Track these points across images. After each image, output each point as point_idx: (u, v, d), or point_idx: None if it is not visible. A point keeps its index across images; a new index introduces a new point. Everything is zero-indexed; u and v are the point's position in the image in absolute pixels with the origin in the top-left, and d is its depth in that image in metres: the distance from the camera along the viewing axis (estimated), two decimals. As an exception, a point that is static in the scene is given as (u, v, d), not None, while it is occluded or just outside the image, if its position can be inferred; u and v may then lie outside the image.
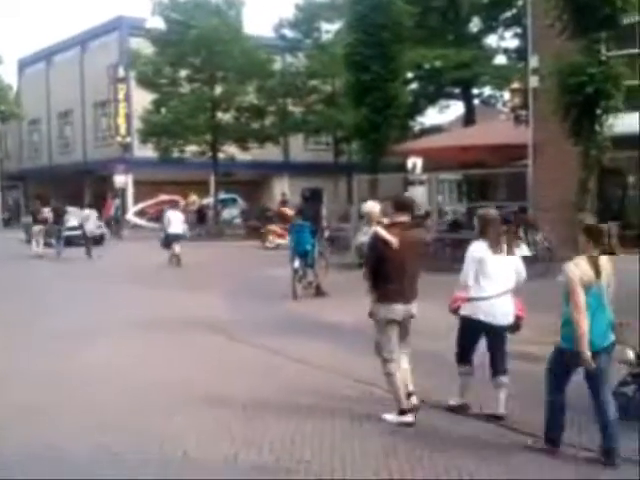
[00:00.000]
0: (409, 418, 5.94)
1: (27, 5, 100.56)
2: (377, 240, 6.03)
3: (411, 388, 6.10)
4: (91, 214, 22.90)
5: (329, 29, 35.74)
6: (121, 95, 38.58)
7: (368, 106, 19.45)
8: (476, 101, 34.50)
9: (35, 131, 49.85)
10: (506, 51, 33.93)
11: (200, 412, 6.50)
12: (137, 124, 33.72)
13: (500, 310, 5.96)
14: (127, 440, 5.79)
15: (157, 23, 29.62)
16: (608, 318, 5.19)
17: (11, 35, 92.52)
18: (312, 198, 28.80)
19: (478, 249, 6.03)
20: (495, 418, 5.98)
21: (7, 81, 45.67)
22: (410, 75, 29.83)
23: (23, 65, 50.51)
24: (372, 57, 19.07)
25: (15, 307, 12.66)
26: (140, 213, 36.16)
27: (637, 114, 11.94)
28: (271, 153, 37.89)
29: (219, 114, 32.45)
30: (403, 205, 6.28)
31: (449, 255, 16.34)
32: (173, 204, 24.28)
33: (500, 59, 34.08)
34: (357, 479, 5.00)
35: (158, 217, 31.43)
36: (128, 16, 38.84)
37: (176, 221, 20.11)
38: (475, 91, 33.92)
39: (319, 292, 13.32)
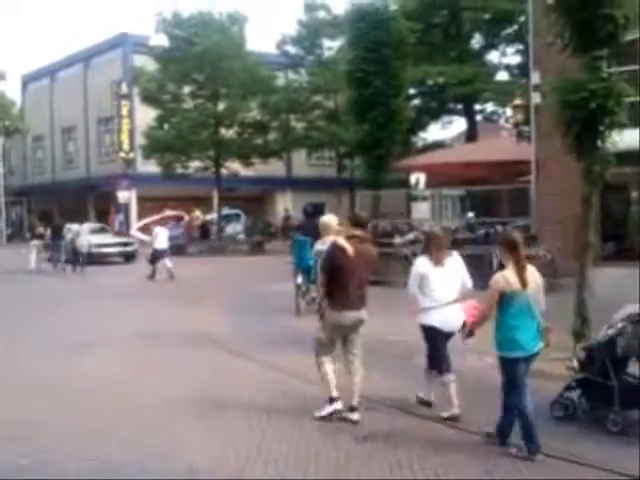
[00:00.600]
0: (338, 405, 6.45)
1: (31, 22, 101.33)
2: (335, 248, 6.52)
3: (355, 403, 6.46)
4: (161, 232, 21.95)
5: (331, 46, 35.94)
6: (124, 111, 38.79)
7: (370, 122, 19.47)
8: (478, 117, 34.61)
9: (39, 147, 50.07)
10: (508, 67, 34.10)
11: (202, 425, 6.50)
12: (140, 140, 33.87)
13: (450, 317, 6.46)
14: (128, 453, 5.78)
15: (161, 40, 29.81)
16: (537, 326, 5.60)
17: (15, 51, 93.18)
18: (314, 213, 28.87)
19: (421, 264, 6.58)
20: (452, 420, 6.38)
21: (11, 97, 45.99)
22: (413, 91, 29.96)
23: (27, 81, 50.83)
24: (374, 73, 19.11)
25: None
26: (144, 229, 36.25)
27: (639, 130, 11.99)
28: (274, 169, 38.01)
29: (222, 130, 32.60)
30: (359, 221, 6.85)
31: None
32: (164, 222, 24.72)
33: (502, 75, 34.28)
34: None
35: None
36: (132, 33, 39.12)
37: (162, 237, 21.00)
38: (477, 107, 34.06)
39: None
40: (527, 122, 18.15)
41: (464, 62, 30.16)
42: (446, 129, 38.81)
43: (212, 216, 35.87)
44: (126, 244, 27.64)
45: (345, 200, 36.33)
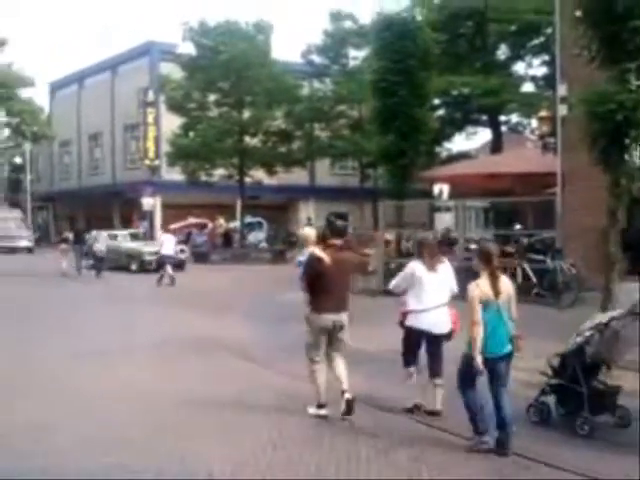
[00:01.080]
0: (324, 412, 6.92)
1: (60, 30, 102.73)
2: (313, 258, 7.09)
3: (345, 387, 6.86)
4: (167, 238, 22.61)
5: (356, 55, 36.00)
6: (150, 119, 39.11)
7: (394, 132, 19.44)
8: (503, 128, 34.41)
9: (66, 153, 50.63)
10: (534, 79, 33.89)
11: (221, 430, 6.50)
12: (166, 147, 34.12)
13: (438, 320, 6.84)
14: (146, 456, 5.80)
15: (187, 48, 30.07)
16: (507, 331, 6.01)
17: (44, 58, 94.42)
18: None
19: (416, 268, 6.97)
20: (433, 414, 6.83)
21: (39, 103, 46.56)
22: (437, 101, 29.88)
23: (55, 88, 51.43)
24: (399, 83, 19.09)
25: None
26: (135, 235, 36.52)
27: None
28: (297, 177, 38.08)
29: (246, 138, 32.75)
30: (337, 230, 7.41)
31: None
32: (187, 229, 25.03)
33: (528, 86, 34.06)
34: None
35: (187, 240, 31.78)
36: (159, 41, 39.47)
37: (168, 244, 21.83)
38: (502, 118, 33.85)
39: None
40: (553, 134, 18.02)
41: (489, 73, 30.02)
42: (470, 140, 38.74)
43: (235, 224, 36.01)
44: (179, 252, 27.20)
45: (368, 210, 36.28)
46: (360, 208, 38.24)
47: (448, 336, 6.95)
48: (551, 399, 6.72)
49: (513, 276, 15.38)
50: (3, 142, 58.26)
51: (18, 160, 51.18)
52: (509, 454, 5.81)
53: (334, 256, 6.99)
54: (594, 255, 12.05)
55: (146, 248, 26.13)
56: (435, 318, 6.85)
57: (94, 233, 25.56)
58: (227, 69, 30.54)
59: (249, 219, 35.97)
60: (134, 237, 29.42)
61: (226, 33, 31.49)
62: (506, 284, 6.14)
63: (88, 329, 12.72)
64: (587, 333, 6.52)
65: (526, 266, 15.46)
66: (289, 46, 71.75)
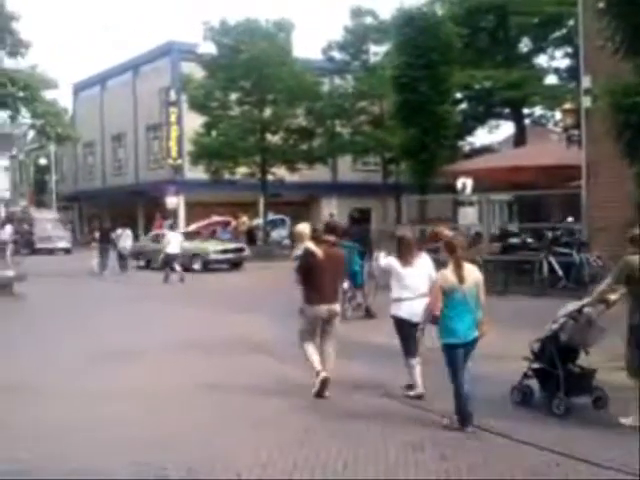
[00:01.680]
0: (324, 374, 7.47)
1: (82, 30, 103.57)
2: (307, 253, 7.67)
3: (331, 366, 7.62)
4: (173, 237, 22.74)
5: (377, 51, 35.93)
6: (173, 118, 39.33)
7: (417, 127, 19.44)
8: (527, 121, 34.13)
9: (89, 154, 51.09)
10: (557, 71, 33.57)
11: (254, 432, 6.55)
12: (188, 146, 34.29)
13: (417, 309, 7.17)
14: (175, 458, 5.84)
15: (208, 48, 30.18)
16: (473, 318, 6.40)
17: (67, 60, 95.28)
18: (361, 219, 28.75)
19: (392, 263, 7.55)
20: (418, 398, 7.33)
21: (63, 104, 47.00)
22: (459, 95, 29.72)
23: (78, 89, 51.91)
24: (420, 79, 19.07)
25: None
26: (193, 234, 36.67)
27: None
28: (319, 174, 38.10)
29: (268, 136, 32.81)
30: (331, 228, 8.27)
31: (502, 278, 16.14)
32: (211, 227, 25.22)
33: (551, 79, 33.74)
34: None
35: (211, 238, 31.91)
36: (180, 41, 39.66)
37: (175, 242, 21.98)
38: (526, 111, 33.57)
39: (368, 314, 13.28)
40: (577, 126, 17.86)
41: (512, 66, 29.80)
42: (493, 133, 38.36)
43: (258, 221, 36.12)
44: (237, 250, 27.21)
45: (390, 205, 36.25)
46: (383, 204, 38.20)
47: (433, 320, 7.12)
48: (533, 382, 7.16)
49: (539, 270, 15.34)
50: (28, 144, 58.99)
51: (43, 161, 51.76)
52: (469, 428, 6.33)
53: (327, 251, 7.62)
54: (621, 248, 11.94)
55: (212, 247, 26.16)
56: (414, 308, 7.26)
57: (119, 231, 25.79)
58: (248, 68, 30.60)
59: (272, 216, 36.07)
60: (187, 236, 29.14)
61: (247, 32, 31.56)
62: (472, 272, 6.54)
63: (110, 329, 12.86)
64: (561, 320, 6.95)
65: (552, 259, 15.38)
66: (310, 43, 71.76)
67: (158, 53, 42.05)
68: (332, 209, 41.38)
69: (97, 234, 25.50)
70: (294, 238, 9.99)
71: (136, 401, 7.73)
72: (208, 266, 24.96)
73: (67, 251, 39.12)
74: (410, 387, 7.55)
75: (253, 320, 13.18)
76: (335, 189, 42.82)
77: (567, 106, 19.14)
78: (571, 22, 27.64)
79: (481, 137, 63.14)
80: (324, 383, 7.45)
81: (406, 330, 7.39)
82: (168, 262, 21.51)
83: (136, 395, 7.97)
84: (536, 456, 5.77)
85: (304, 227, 8.98)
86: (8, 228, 33.98)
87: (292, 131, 33.29)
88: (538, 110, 34.52)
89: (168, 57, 40.94)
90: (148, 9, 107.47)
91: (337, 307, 7.75)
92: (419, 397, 7.39)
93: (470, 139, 36.08)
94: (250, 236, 35.03)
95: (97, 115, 48.33)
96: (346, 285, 13.09)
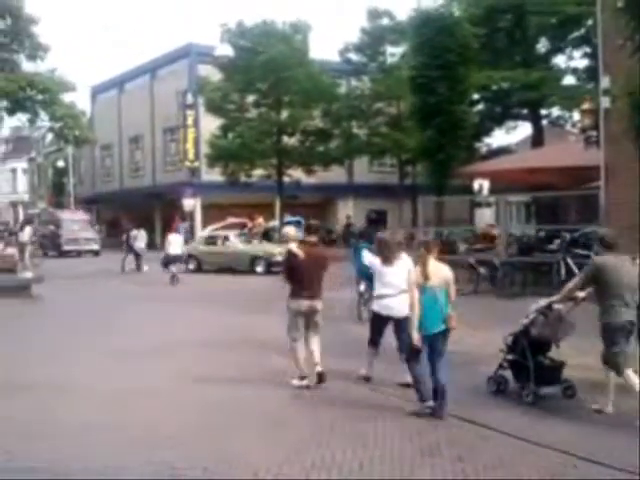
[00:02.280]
0: (306, 382, 8.17)
1: (100, 34, 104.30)
2: (289, 253, 8.47)
3: (317, 361, 8.28)
4: (174, 238, 22.97)
5: (394, 52, 35.85)
6: (190, 121, 39.48)
7: (434, 128, 19.37)
8: (544, 122, 33.91)
9: (107, 156, 51.41)
10: (575, 71, 33.31)
11: (270, 432, 6.57)
12: (205, 149, 34.40)
13: (396, 306, 7.84)
14: (190, 457, 5.87)
15: (225, 50, 30.25)
16: (441, 311, 7.00)
17: (85, 63, 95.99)
18: (378, 221, 28.68)
19: (374, 262, 8.28)
20: (406, 385, 7.76)
21: (81, 107, 47.34)
22: (476, 96, 29.60)
23: (96, 92, 52.25)
24: (438, 79, 19.00)
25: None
26: (210, 236, 36.69)
27: None
28: (336, 176, 38.08)
29: (285, 138, 32.83)
30: (312, 229, 9.05)
31: (520, 280, 16.05)
32: (174, 229, 26.36)
33: (569, 79, 33.48)
34: None
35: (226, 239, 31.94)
36: (197, 43, 39.81)
37: (176, 243, 22.31)
38: (543, 112, 33.35)
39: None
40: (595, 127, 17.71)
41: (530, 66, 29.61)
42: (510, 134, 38.14)
43: (274, 223, 36.11)
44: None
45: (407, 207, 36.13)
46: (399, 205, 38.10)
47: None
48: (507, 373, 7.78)
49: (557, 271, 15.22)
50: (47, 146, 59.49)
51: (61, 164, 52.16)
52: (444, 417, 6.86)
53: (309, 252, 8.34)
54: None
55: (277, 249, 24.00)
56: (393, 304, 7.90)
57: (134, 232, 26.15)
58: (265, 70, 30.65)
59: (288, 218, 36.02)
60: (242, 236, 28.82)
61: (263, 34, 31.61)
62: (440, 270, 7.18)
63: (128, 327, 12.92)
64: (532, 315, 7.56)
65: (570, 261, 15.25)
66: (326, 45, 71.81)
67: (175, 56, 42.23)
68: (348, 211, 41.44)
69: (125, 236, 26.15)
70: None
71: (150, 400, 7.77)
72: (271, 268, 23.81)
73: (96, 253, 37.96)
74: (367, 379, 8.45)
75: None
76: (351, 191, 42.78)
77: (585, 107, 18.98)
78: (589, 22, 27.43)
79: (498, 138, 62.97)
80: (320, 376, 8.17)
81: (380, 324, 8.24)
82: (168, 263, 21.82)
83: (150, 394, 8.00)
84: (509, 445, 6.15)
85: (289, 229, 9.60)
86: (28, 229, 34.17)
87: (309, 133, 33.28)
88: (556, 111, 34.27)
89: (185, 60, 41.11)
90: (165, 12, 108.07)
91: (319, 304, 8.36)
92: (367, 379, 8.44)
93: (487, 140, 35.93)
94: (266, 238, 35.05)
95: (115, 118, 48.63)
96: (362, 287, 13.07)
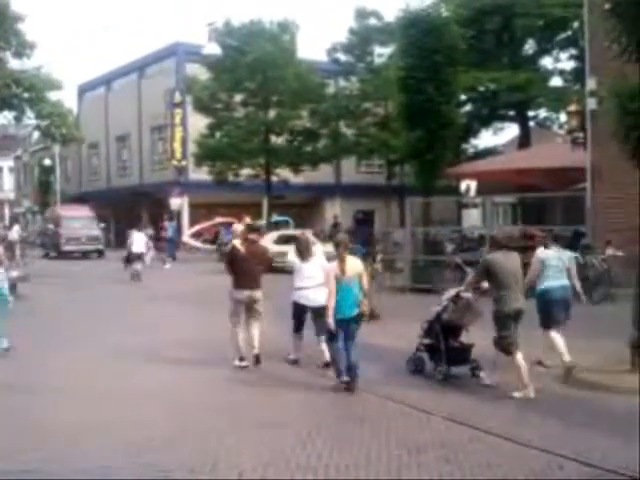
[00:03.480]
0: (245, 363, 9.23)
1: (87, 32, 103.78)
2: (232, 248, 9.70)
3: (255, 344, 9.35)
4: (137, 237, 23.50)
5: (382, 52, 35.88)
6: (177, 119, 39.37)
7: (421, 129, 19.36)
8: (531, 123, 34.09)
9: (94, 155, 51.17)
10: (562, 73, 33.52)
11: (256, 435, 6.54)
12: (192, 148, 34.33)
13: (312, 296, 8.99)
14: (177, 459, 5.84)
15: (213, 49, 30.18)
16: (354, 299, 8.06)
17: (72, 61, 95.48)
18: (365, 221, 28.58)
19: (294, 259, 9.38)
20: (327, 365, 8.74)
21: (68, 105, 47.02)
22: (464, 97, 29.69)
23: (83, 90, 51.99)
24: (425, 80, 18.98)
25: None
26: (196, 235, 36.56)
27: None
28: (323, 176, 38.10)
29: (272, 138, 32.81)
30: (253, 228, 10.18)
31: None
32: (139, 227, 26.71)
33: (556, 81, 33.69)
34: None
35: (214, 239, 31.90)
36: (185, 42, 39.68)
37: (139, 241, 22.97)
38: (530, 113, 33.53)
39: (372, 315, 13.18)
40: (582, 128, 17.82)
41: (517, 68, 29.78)
42: (498, 135, 38.31)
43: (261, 222, 36.01)
44: None
45: (394, 207, 36.18)
46: (387, 205, 38.15)
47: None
48: (424, 354, 8.81)
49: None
50: (33, 145, 59.10)
51: (48, 162, 51.81)
52: (355, 391, 7.90)
53: (249, 248, 9.47)
54: (626, 250, 11.90)
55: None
56: (310, 295, 9.04)
57: (129, 232, 26.20)
58: (253, 69, 30.61)
59: (276, 217, 35.97)
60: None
61: (251, 33, 31.59)
62: (354, 264, 8.23)
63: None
64: (444, 303, 8.59)
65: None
66: (314, 45, 71.72)
67: (163, 54, 42.10)
68: (336, 211, 41.38)
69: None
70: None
71: (136, 402, 7.74)
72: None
73: (100, 253, 34.88)
74: (294, 362, 9.40)
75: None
76: (339, 191, 42.82)
77: (572, 108, 19.11)
78: (576, 24, 27.62)
79: (486, 139, 63.12)
80: (257, 358, 9.24)
81: (300, 313, 9.30)
82: (130, 261, 22.49)
83: (136, 396, 7.98)
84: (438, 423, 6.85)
85: (237, 227, 10.87)
86: (16, 228, 33.98)
87: (296, 133, 33.29)
88: (543, 112, 34.53)
89: (173, 58, 40.97)
90: (153, 10, 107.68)
91: (258, 293, 9.39)
92: (295, 361, 9.40)
93: (475, 141, 36.08)
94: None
95: (102, 116, 48.39)
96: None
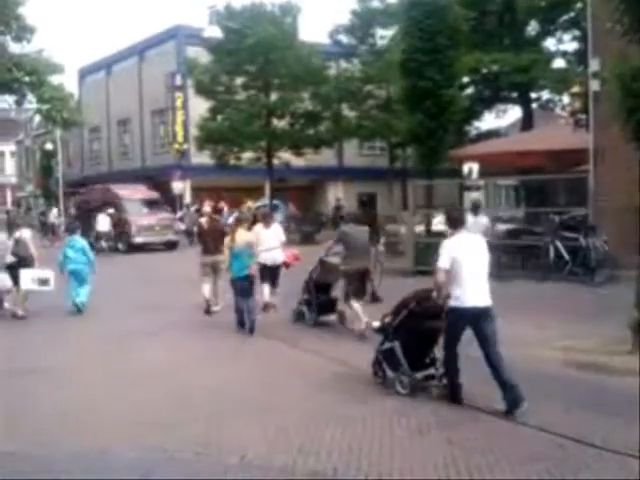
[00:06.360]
0: (216, 308, 12.38)
1: (88, 16, 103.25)
2: (199, 225, 13.45)
3: (219, 297, 12.54)
4: (102, 217, 27.53)
5: (384, 34, 35.68)
6: (178, 103, 39.24)
7: (424, 112, 19.29)
8: (534, 105, 33.93)
9: (95, 139, 51.09)
10: (565, 54, 33.31)
11: (257, 418, 6.60)
12: (194, 131, 34.23)
13: (271, 257, 12.08)
14: (181, 441, 5.90)
15: (214, 32, 30.01)
16: (244, 263, 10.63)
17: (73, 44, 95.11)
18: (368, 203, 28.48)
19: (258, 229, 12.26)
20: (265, 307, 11.86)
21: (68, 89, 46.89)
22: (466, 79, 29.53)
23: (84, 74, 51.82)
24: (428, 63, 18.89)
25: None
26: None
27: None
28: (325, 159, 38.01)
29: (274, 121, 32.68)
30: (217, 210, 15.63)
31: (508, 262, 16.08)
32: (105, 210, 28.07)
33: (559, 62, 33.47)
34: None
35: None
36: (185, 25, 39.49)
37: (103, 221, 27.13)
38: (533, 95, 33.35)
39: (374, 298, 13.24)
40: (585, 110, 17.75)
41: (519, 50, 29.57)
42: (500, 118, 38.10)
43: (264, 202, 35.74)
44: None
45: (396, 190, 36.13)
46: (389, 189, 38.10)
47: (285, 265, 12.42)
48: (304, 307, 11.25)
49: (545, 254, 15.28)
50: (34, 129, 58.98)
51: (49, 146, 51.72)
52: (253, 334, 10.33)
53: (210, 224, 12.99)
54: (628, 232, 11.89)
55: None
56: (269, 256, 11.99)
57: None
58: (254, 52, 30.44)
59: (265, 201, 35.47)
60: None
61: (252, 16, 31.38)
62: (244, 236, 10.93)
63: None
64: (315, 265, 11.16)
65: (558, 244, 15.31)
66: (316, 27, 71.43)
67: (164, 37, 41.90)
68: (338, 194, 41.41)
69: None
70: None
71: (139, 383, 7.80)
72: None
73: (173, 245, 28.61)
74: (272, 306, 12.08)
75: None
76: (341, 174, 42.75)
77: (575, 90, 19.03)
78: (579, 5, 27.41)
79: (488, 121, 62.72)
80: (208, 306, 12.31)
81: (266, 271, 11.98)
82: (99, 239, 26.31)
83: (139, 377, 8.03)
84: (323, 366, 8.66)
85: (207, 208, 15.31)
86: (54, 211, 35.68)
87: (298, 115, 33.13)
88: (546, 94, 34.28)
89: (174, 41, 40.78)
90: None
91: (219, 257, 11.99)
92: (267, 306, 11.92)
93: (477, 124, 35.89)
94: (254, 221, 34.79)
95: (103, 100, 48.27)
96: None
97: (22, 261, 12.62)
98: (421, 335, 7.21)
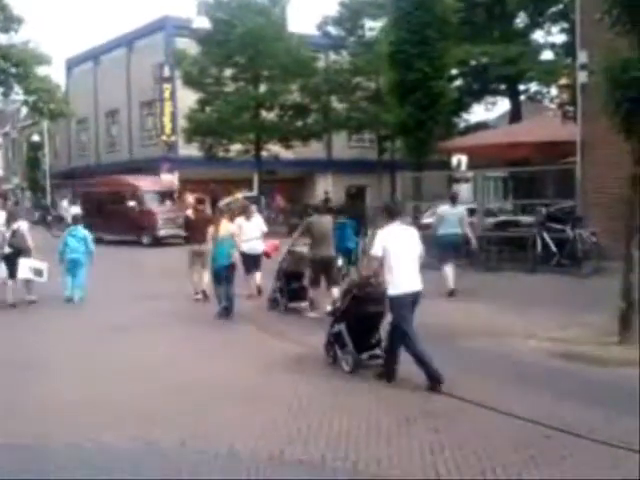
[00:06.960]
0: (199, 296, 12.99)
1: (75, 6, 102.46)
2: (186, 216, 14.11)
3: (204, 284, 12.92)
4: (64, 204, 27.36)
5: (373, 26, 35.59)
6: (167, 94, 38.97)
7: (413, 104, 19.33)
8: (522, 97, 33.99)
9: (83, 130, 50.73)
10: (553, 46, 33.36)
11: (245, 408, 6.59)
12: (182, 123, 34.07)
13: (252, 247, 12.98)
14: (168, 432, 5.89)
15: (202, 23, 29.85)
16: (227, 251, 11.24)
17: (60, 35, 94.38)
18: (357, 196, 28.49)
19: (240, 221, 13.17)
20: (257, 294, 12.96)
21: (56, 80, 46.56)
22: (455, 72, 29.53)
23: (71, 65, 51.39)
24: (416, 55, 18.93)
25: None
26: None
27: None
28: (314, 151, 37.93)
29: (263, 113, 32.60)
30: (200, 201, 14.63)
31: (496, 254, 16.13)
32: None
33: (547, 54, 33.53)
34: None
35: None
36: (174, 16, 39.20)
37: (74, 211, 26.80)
38: (521, 87, 33.41)
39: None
40: (573, 102, 17.80)
41: (508, 42, 29.59)
42: (489, 110, 38.14)
43: (253, 193, 35.56)
44: None
45: (386, 182, 36.14)
46: (378, 181, 38.10)
47: (265, 255, 13.42)
48: (278, 295, 11.74)
49: (533, 245, 15.33)
50: (21, 121, 58.53)
51: (36, 138, 51.37)
52: (231, 316, 11.08)
53: (197, 215, 13.61)
54: (615, 224, 11.94)
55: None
56: (250, 246, 12.83)
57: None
58: (243, 43, 30.32)
59: (245, 193, 35.09)
60: None
61: (241, 6, 31.23)
62: (226, 227, 11.60)
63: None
64: (284, 256, 11.89)
65: (545, 235, 15.35)
66: (305, 18, 71.16)
67: (152, 28, 41.58)
68: (327, 186, 41.32)
69: None
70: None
71: (127, 376, 7.77)
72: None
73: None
74: (258, 294, 12.89)
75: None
76: (330, 166, 42.68)
77: (563, 82, 19.07)
78: (568, -4, 27.42)
79: (477, 114, 62.78)
80: (204, 293, 12.87)
81: (249, 259, 12.75)
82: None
83: (127, 370, 8.00)
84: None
85: (188, 196, 16.22)
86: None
87: (287, 107, 33.07)
88: (534, 86, 34.36)
89: (162, 32, 40.49)
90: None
91: (204, 246, 12.32)
92: (251, 296, 12.84)
93: (466, 116, 35.93)
94: (232, 215, 34.63)
95: (91, 91, 47.92)
96: (340, 262, 13.12)
97: (19, 252, 12.71)
98: (364, 318, 7.75)
